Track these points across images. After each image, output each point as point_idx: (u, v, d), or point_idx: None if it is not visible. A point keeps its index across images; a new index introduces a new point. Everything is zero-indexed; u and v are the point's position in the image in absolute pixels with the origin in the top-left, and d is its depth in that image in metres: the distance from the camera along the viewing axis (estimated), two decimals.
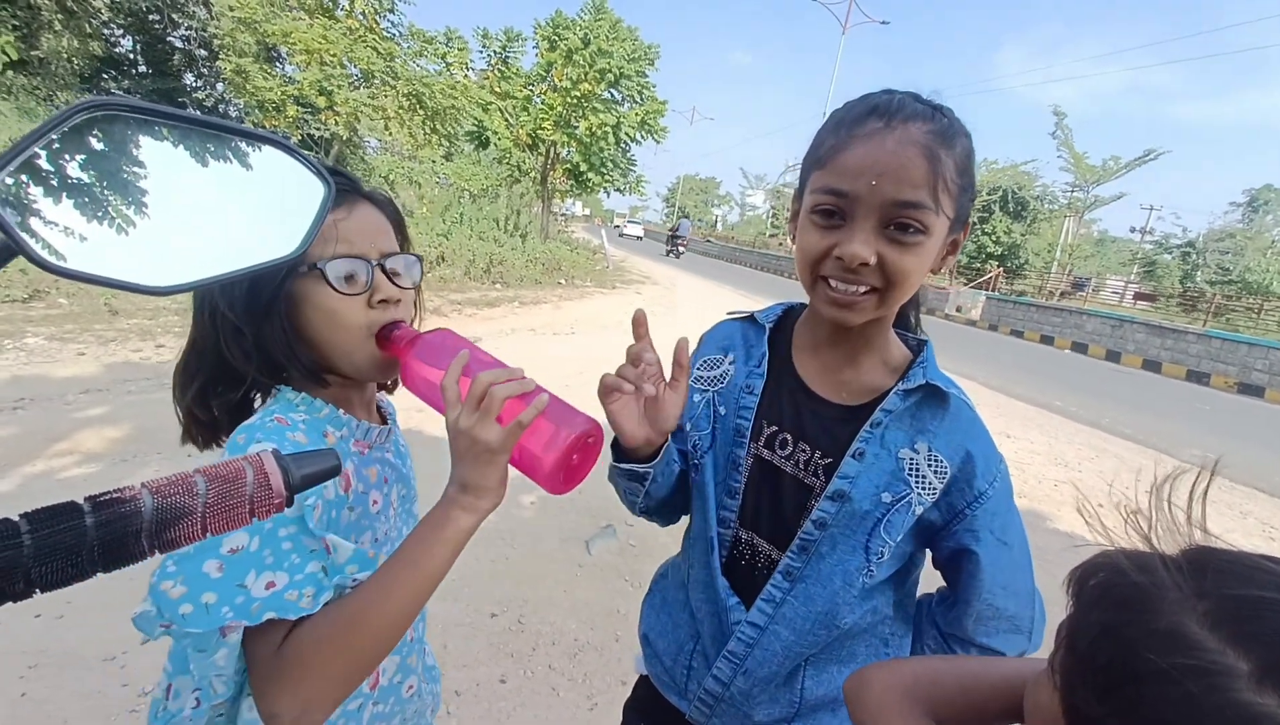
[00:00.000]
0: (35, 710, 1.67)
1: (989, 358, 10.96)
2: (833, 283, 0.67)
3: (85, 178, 0.36)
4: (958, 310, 18.31)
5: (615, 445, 0.78)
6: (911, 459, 0.72)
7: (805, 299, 0.80)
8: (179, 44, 15.45)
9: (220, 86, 15.11)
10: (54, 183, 0.35)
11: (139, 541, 0.36)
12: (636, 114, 16.00)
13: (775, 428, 0.79)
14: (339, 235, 0.67)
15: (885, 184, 0.62)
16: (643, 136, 16.59)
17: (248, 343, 0.67)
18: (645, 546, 2.94)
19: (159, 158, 0.38)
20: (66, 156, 0.35)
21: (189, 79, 15.89)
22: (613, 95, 16.19)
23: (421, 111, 12.03)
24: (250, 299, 0.66)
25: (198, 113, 0.39)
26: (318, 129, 12.24)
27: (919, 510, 0.72)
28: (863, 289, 0.67)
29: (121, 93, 13.99)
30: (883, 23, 26.36)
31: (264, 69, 11.65)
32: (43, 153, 0.33)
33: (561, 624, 2.34)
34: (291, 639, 0.58)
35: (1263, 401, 11.32)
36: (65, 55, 12.31)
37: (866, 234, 0.64)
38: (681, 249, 24.43)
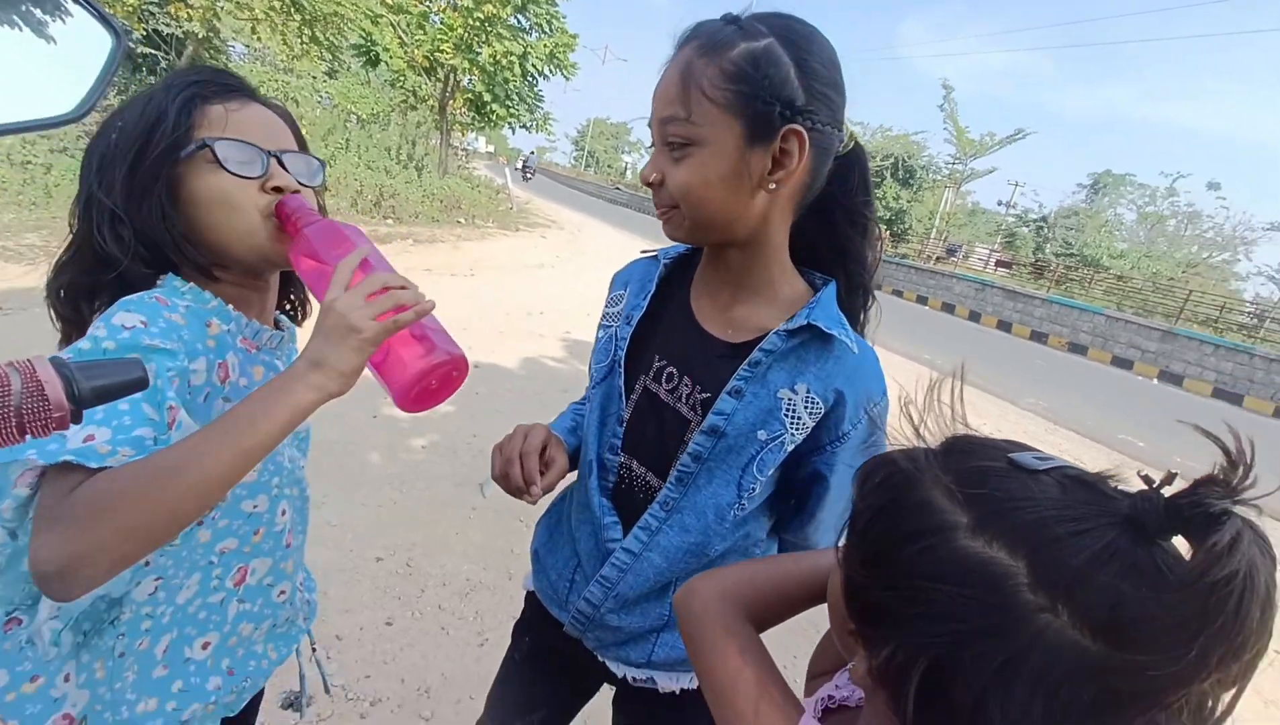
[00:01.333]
0: None
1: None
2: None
3: None
4: None
5: None
6: (790, 399, 0.73)
7: None
8: None
9: None
10: None
11: None
12: (545, 45, 15.06)
13: (665, 362, 0.81)
14: (229, 122, 0.65)
15: (656, 106, 0.70)
16: (551, 71, 15.70)
17: (125, 230, 0.63)
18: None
19: None
20: None
21: None
22: (520, 22, 15.09)
23: (298, 16, 10.58)
24: (129, 180, 0.62)
25: None
26: (166, 24, 10.42)
27: (789, 448, 0.74)
28: (665, 208, 0.73)
29: None
30: None
31: None
32: None
33: (453, 567, 2.31)
34: (85, 484, 0.51)
35: (1085, 359, 13.20)
36: None
37: (656, 156, 0.72)
38: (529, 176, 32.09)
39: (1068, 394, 8.39)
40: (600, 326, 0.89)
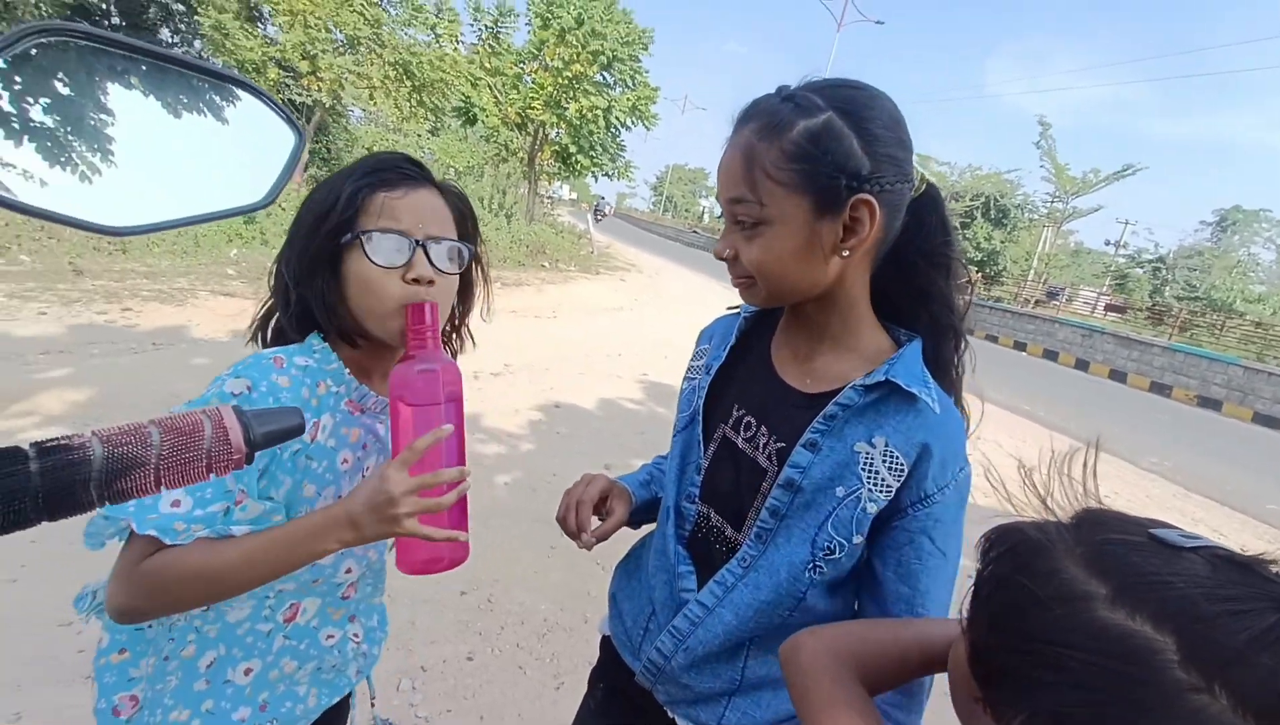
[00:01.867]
0: None
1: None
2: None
3: (41, 109, 0.34)
4: None
5: None
6: (867, 453, 0.70)
7: None
8: None
9: (199, 43, 14.53)
10: (8, 112, 0.33)
11: (87, 491, 0.35)
12: (628, 99, 15.82)
13: (744, 411, 0.82)
14: (384, 210, 0.72)
15: (721, 186, 0.72)
16: (633, 122, 16.42)
17: (292, 300, 0.75)
18: (620, 532, 2.95)
19: (119, 93, 0.36)
20: (18, 85, 0.33)
21: (165, 34, 15.27)
22: (605, 78, 15.98)
23: (408, 82, 11.74)
24: (303, 255, 0.73)
25: (157, 44, 0.37)
26: (299, 94, 11.85)
27: (871, 508, 0.70)
28: (742, 280, 0.75)
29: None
30: (877, 22, 26.42)
31: (245, 27, 11.24)
32: None
33: (532, 604, 2.34)
34: (156, 560, 0.64)
35: (1219, 415, 11.73)
36: (33, 2, 11.74)
37: (727, 232, 0.73)
38: (599, 218, 33.84)
39: (1200, 454, 7.44)
40: (685, 378, 0.92)
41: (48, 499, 0.34)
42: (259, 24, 12.54)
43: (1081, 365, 14.68)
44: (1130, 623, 0.34)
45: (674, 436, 0.89)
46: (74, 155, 0.35)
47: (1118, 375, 13.92)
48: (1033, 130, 24.11)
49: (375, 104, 11.89)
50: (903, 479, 0.70)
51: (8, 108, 0.33)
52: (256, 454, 0.60)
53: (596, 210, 35.51)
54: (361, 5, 11.06)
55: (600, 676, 1.02)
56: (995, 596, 0.41)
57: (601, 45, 14.63)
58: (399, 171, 0.75)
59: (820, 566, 0.73)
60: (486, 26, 16.47)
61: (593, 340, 6.52)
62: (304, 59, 10.51)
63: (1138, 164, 23.12)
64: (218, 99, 0.39)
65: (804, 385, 0.78)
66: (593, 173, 17.81)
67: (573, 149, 16.49)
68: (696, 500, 0.84)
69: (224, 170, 0.40)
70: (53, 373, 3.48)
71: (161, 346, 4.28)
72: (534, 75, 15.85)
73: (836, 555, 0.72)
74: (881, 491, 0.70)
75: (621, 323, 8.48)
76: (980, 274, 23.59)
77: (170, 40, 15.25)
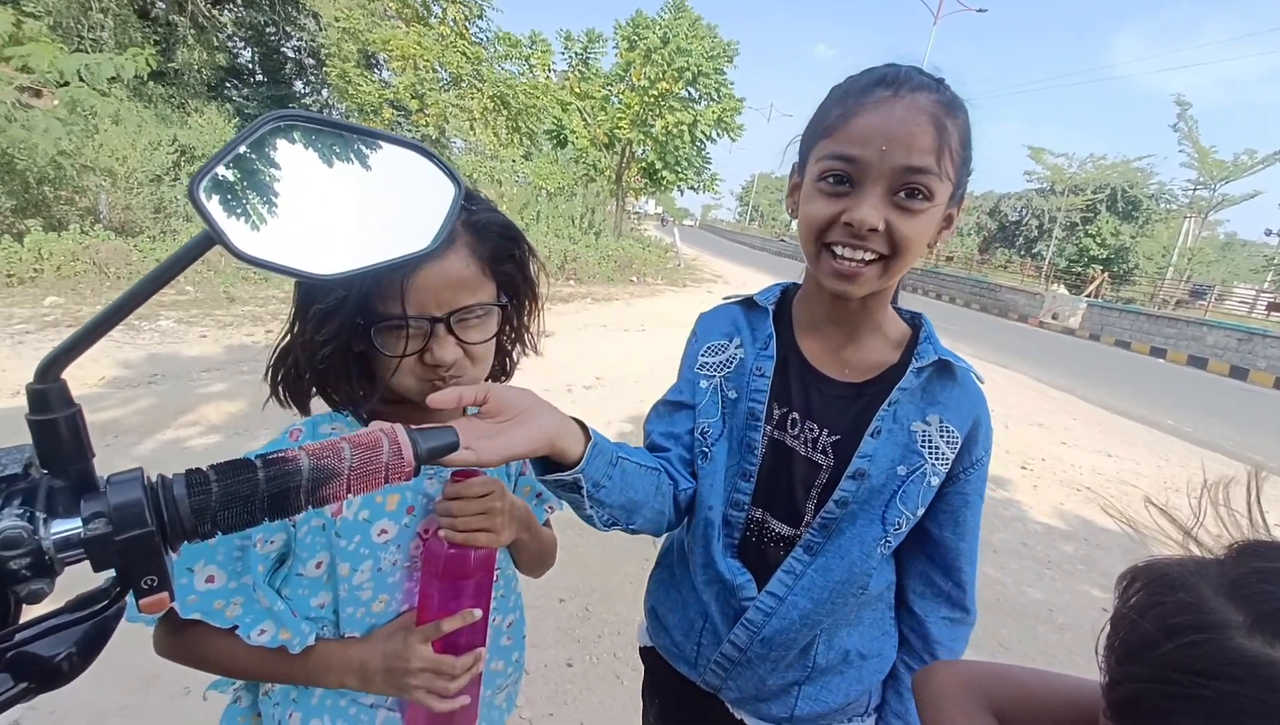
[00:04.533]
0: None
1: (1089, 369, 10.14)
2: (838, 251, 0.68)
3: (265, 178, 0.41)
4: (1053, 317, 17.01)
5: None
6: (924, 431, 0.74)
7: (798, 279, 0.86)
8: (291, 54, 16.78)
9: (326, 92, 16.28)
10: (242, 182, 0.40)
11: (298, 496, 0.41)
12: (713, 111, 15.89)
13: (786, 408, 0.80)
14: (399, 292, 0.64)
15: (895, 149, 0.64)
16: (719, 134, 16.46)
17: (306, 368, 0.71)
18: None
19: (319, 162, 0.43)
20: (252, 160, 0.41)
21: (299, 85, 17.23)
22: (690, 93, 16.15)
23: (505, 112, 12.49)
24: (312, 352, 0.68)
25: (353, 122, 0.44)
26: (410, 130, 12.95)
27: (934, 482, 0.74)
28: (869, 257, 0.67)
29: (250, 109, 15.22)
30: (979, 11, 24.85)
31: (364, 74, 12.45)
32: (236, 157, 0.39)
33: (627, 615, 2.38)
34: (190, 635, 0.67)
35: None
36: (196, 66, 13.66)
37: (876, 199, 0.65)
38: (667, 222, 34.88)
39: None
40: (699, 377, 0.84)
41: (270, 502, 0.41)
42: (375, 70, 13.82)
43: (1239, 373, 12.85)
44: (1269, 650, 0.33)
45: (704, 447, 0.82)
46: (290, 216, 0.42)
47: None
48: (1168, 112, 21.54)
49: (475, 134, 12.73)
50: (957, 450, 0.75)
51: (244, 183, 0.40)
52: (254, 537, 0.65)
53: (663, 220, 35.99)
54: (464, 46, 11.93)
55: (654, 692, 1.01)
56: (1131, 630, 0.40)
57: (687, 62, 14.82)
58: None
59: (890, 540, 0.76)
60: (576, 53, 17.20)
61: (681, 353, 6.53)
62: (413, 98, 11.47)
63: None
64: (395, 163, 0.46)
65: (844, 375, 0.79)
66: (678, 187, 18.00)
67: (659, 165, 16.77)
68: (747, 507, 0.81)
69: (397, 222, 0.46)
70: (212, 388, 3.99)
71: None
72: (621, 96, 16.31)
73: (903, 528, 0.76)
74: (942, 464, 0.75)
75: None
76: (1106, 273, 21.36)
77: (302, 90, 17.16)
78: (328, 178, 0.44)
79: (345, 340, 0.67)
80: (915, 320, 0.82)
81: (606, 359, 5.72)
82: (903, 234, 0.66)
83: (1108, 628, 0.42)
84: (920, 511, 0.75)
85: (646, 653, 0.99)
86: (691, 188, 18.14)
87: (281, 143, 0.42)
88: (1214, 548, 0.41)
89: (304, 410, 0.77)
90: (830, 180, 0.68)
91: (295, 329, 0.72)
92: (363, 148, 0.45)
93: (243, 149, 0.37)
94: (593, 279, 11.55)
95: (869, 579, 0.78)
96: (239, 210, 0.40)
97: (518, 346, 0.87)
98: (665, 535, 1.00)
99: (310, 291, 0.69)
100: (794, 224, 0.79)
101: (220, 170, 0.37)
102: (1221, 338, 13.70)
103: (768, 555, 0.81)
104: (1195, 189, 22.57)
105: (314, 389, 0.75)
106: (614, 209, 17.41)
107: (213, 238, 0.36)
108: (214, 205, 0.38)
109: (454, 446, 0.49)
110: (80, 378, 3.85)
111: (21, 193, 6.91)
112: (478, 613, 0.69)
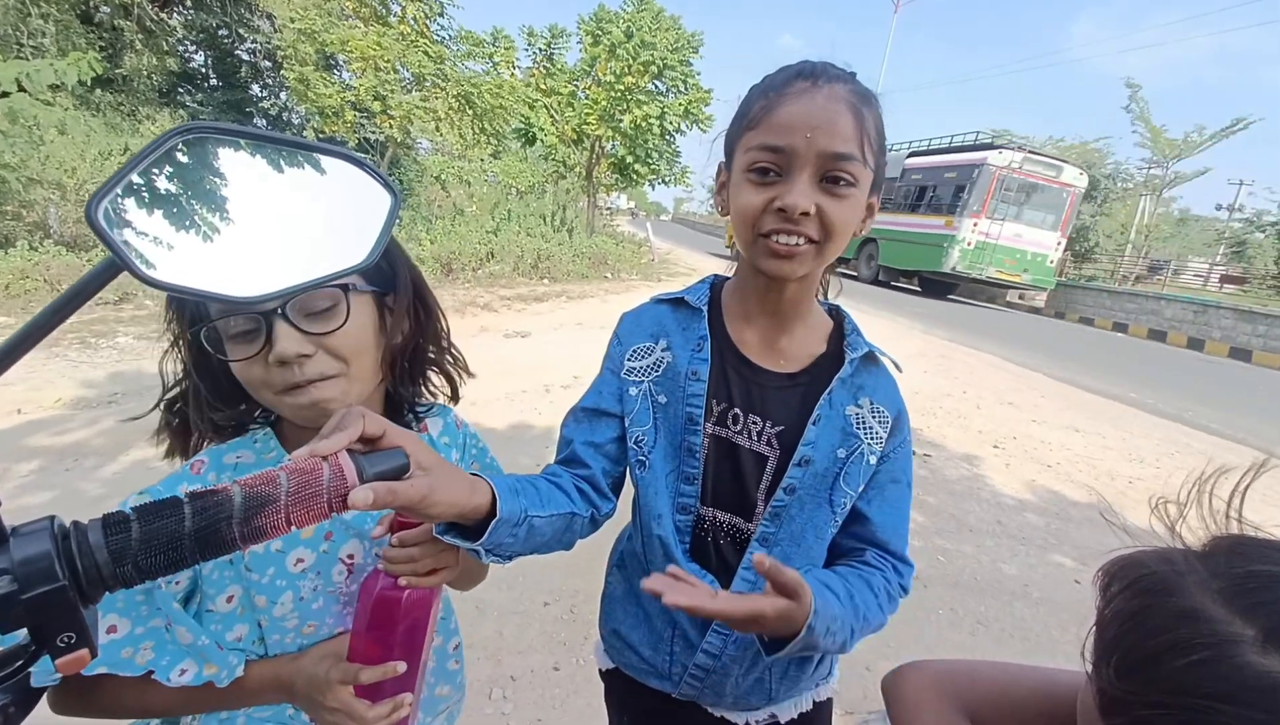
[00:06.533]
0: None
1: (1054, 347, 10.39)
2: (774, 237, 0.70)
3: (175, 196, 0.39)
4: (1020, 297, 17.42)
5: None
6: (858, 414, 0.79)
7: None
8: (246, 57, 16.30)
9: (284, 95, 15.85)
10: (149, 203, 0.38)
11: (230, 528, 0.39)
12: (680, 104, 15.85)
13: (725, 404, 0.80)
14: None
15: (819, 136, 0.66)
16: (687, 126, 16.43)
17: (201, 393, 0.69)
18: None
19: (239, 175, 0.41)
20: (157, 176, 0.38)
21: (255, 89, 16.73)
22: (656, 86, 16.09)
23: (470, 112, 12.30)
24: (195, 353, 0.65)
25: (274, 131, 0.41)
26: (373, 132, 12.67)
27: (872, 460, 0.78)
28: (803, 241, 0.69)
29: (204, 114, 14.73)
30: None
31: (323, 76, 12.14)
32: (140, 178, 0.37)
33: None
34: (96, 689, 0.62)
35: None
36: (145, 72, 13.18)
37: (805, 185, 0.68)
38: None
39: None
40: (628, 383, 0.82)
41: (199, 539, 0.38)
42: (335, 71, 13.49)
43: (1195, 344, 13.32)
44: None
45: (639, 457, 0.81)
46: (207, 234, 0.40)
47: (1240, 352, 12.53)
48: (1122, 95, 22.11)
49: (441, 135, 12.51)
50: (889, 429, 0.80)
51: (156, 203, 0.37)
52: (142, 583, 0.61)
53: (632, 214, 35.88)
54: (425, 45, 11.70)
55: (621, 710, 0.99)
56: (1124, 639, 0.38)
57: (652, 55, 14.75)
58: None
59: (837, 519, 0.79)
60: (540, 49, 16.99)
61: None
62: (375, 100, 11.22)
63: (1250, 117, 20.77)
64: (322, 172, 0.43)
65: (779, 366, 0.81)
66: (650, 181, 17.95)
67: (629, 159, 16.69)
68: (694, 509, 0.81)
69: (330, 235, 0.44)
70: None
71: None
72: (588, 91, 16.19)
73: (847, 506, 0.79)
74: (877, 443, 0.79)
75: None
76: (1069, 252, 21.91)
77: (259, 93, 16.69)
78: (250, 192, 0.41)
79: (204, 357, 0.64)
80: (834, 312, 0.87)
81: (584, 357, 5.68)
82: (832, 218, 0.69)
83: (1094, 630, 0.41)
84: (859, 489, 0.79)
85: (609, 674, 0.98)
86: (663, 181, 18.11)
87: (195, 157, 0.39)
88: (1186, 537, 0.40)
89: (185, 453, 0.73)
90: (758, 171, 0.70)
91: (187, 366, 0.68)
92: (289, 159, 0.43)
93: (144, 167, 0.34)
94: (567, 277, 11.47)
95: (822, 561, 0.82)
96: (150, 232, 0.37)
97: (446, 360, 0.84)
98: (611, 551, 1.01)
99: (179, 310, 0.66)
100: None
101: (122, 190, 0.34)
102: (1178, 311, 14.19)
103: (725, 553, 0.82)
104: (1149, 168, 23.27)
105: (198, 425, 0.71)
106: (586, 205, 17.30)
107: (118, 264, 0.34)
108: (119, 229, 0.35)
109: (404, 469, 0.47)
110: (35, 401, 3.69)
111: None
112: (401, 666, 0.65)
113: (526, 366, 5.22)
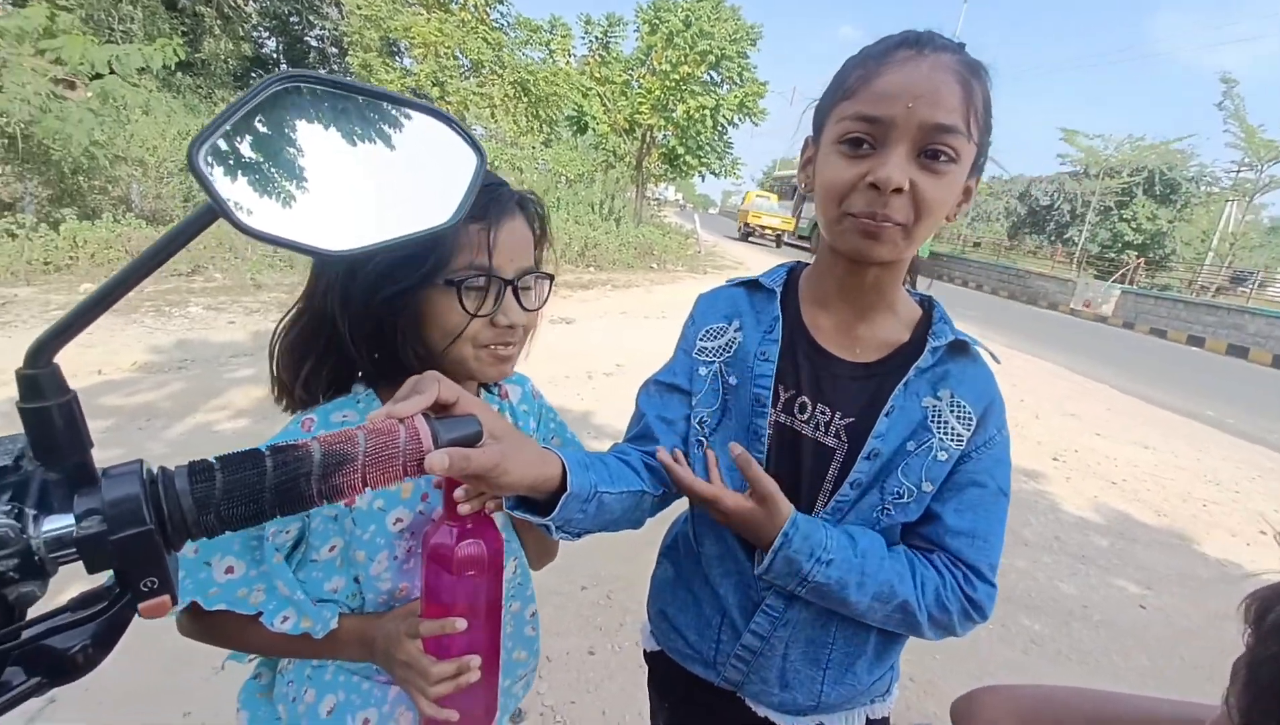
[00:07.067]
0: None
1: (1123, 359, 9.82)
2: (861, 216, 0.66)
3: (270, 145, 0.38)
4: (1085, 305, 16.49)
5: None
6: (934, 407, 0.73)
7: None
8: (314, 43, 16.90)
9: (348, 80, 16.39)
10: (245, 151, 0.37)
11: (308, 485, 0.39)
12: (735, 96, 15.62)
13: (793, 391, 0.77)
14: (477, 245, 0.65)
15: (921, 107, 0.61)
16: (740, 119, 16.19)
17: (371, 339, 0.68)
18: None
19: (330, 127, 0.40)
20: (254, 124, 0.38)
21: (322, 74, 17.37)
22: (712, 77, 15.89)
23: (525, 99, 12.43)
24: (370, 304, 0.66)
25: (368, 83, 0.40)
26: None
27: (942, 456, 0.72)
28: (892, 221, 0.65)
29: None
30: None
31: (386, 62, 12.47)
32: (236, 127, 0.36)
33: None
34: (215, 621, 0.68)
35: None
36: (222, 56, 13.83)
37: (901, 159, 0.62)
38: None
39: None
40: (698, 362, 0.81)
41: (279, 493, 0.38)
42: (396, 58, 13.84)
43: None
44: None
45: (700, 436, 0.79)
46: (299, 188, 0.39)
47: None
48: (1213, 91, 20.52)
49: (496, 121, 12.69)
50: (972, 428, 0.73)
51: (250, 151, 0.37)
52: (269, 529, 0.65)
53: (680, 206, 35.03)
54: (485, 32, 11.87)
55: (663, 695, 0.98)
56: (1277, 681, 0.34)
57: (709, 45, 14.57)
58: (490, 194, 0.68)
59: (889, 509, 0.73)
60: (596, 38, 16.99)
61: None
62: (434, 85, 11.46)
63: None
64: (408, 126, 0.42)
65: (853, 355, 0.77)
66: (700, 172, 17.78)
67: (680, 150, 16.57)
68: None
69: (416, 193, 0.43)
70: (240, 373, 4.05)
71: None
72: (641, 80, 16.11)
73: (905, 501, 0.73)
74: (953, 441, 0.72)
75: None
76: (1142, 259, 20.62)
77: None
78: (340, 146, 0.40)
79: (396, 307, 0.66)
80: (926, 302, 0.81)
81: (628, 346, 5.68)
82: (927, 197, 0.63)
83: (1245, 667, 0.36)
84: (926, 487, 0.73)
85: (654, 656, 0.97)
86: (713, 173, 17.91)
87: (290, 107, 0.38)
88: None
89: (315, 400, 0.74)
90: (850, 142, 0.65)
91: (328, 307, 0.68)
92: (377, 114, 0.42)
93: (248, 112, 0.34)
94: (613, 266, 11.49)
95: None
96: (244, 180, 0.37)
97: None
98: (666, 533, 0.98)
99: (343, 264, 0.67)
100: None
101: (223, 136, 0.34)
102: (1264, 326, 13.17)
103: None
104: (1240, 170, 21.59)
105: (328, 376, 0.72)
106: (634, 195, 17.28)
107: (215, 210, 0.34)
108: (217, 175, 0.35)
109: (477, 436, 0.46)
110: (114, 363, 3.93)
111: (57, 182, 7.06)
112: (461, 623, 0.64)
113: (569, 353, 5.25)
